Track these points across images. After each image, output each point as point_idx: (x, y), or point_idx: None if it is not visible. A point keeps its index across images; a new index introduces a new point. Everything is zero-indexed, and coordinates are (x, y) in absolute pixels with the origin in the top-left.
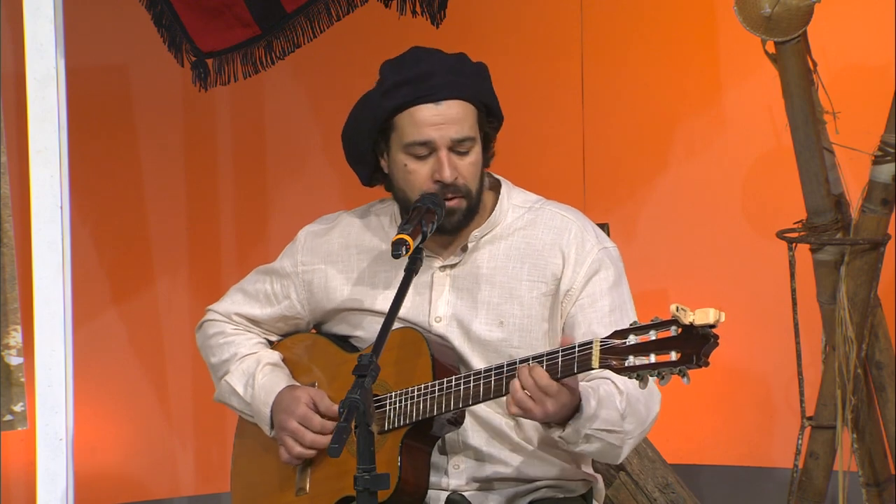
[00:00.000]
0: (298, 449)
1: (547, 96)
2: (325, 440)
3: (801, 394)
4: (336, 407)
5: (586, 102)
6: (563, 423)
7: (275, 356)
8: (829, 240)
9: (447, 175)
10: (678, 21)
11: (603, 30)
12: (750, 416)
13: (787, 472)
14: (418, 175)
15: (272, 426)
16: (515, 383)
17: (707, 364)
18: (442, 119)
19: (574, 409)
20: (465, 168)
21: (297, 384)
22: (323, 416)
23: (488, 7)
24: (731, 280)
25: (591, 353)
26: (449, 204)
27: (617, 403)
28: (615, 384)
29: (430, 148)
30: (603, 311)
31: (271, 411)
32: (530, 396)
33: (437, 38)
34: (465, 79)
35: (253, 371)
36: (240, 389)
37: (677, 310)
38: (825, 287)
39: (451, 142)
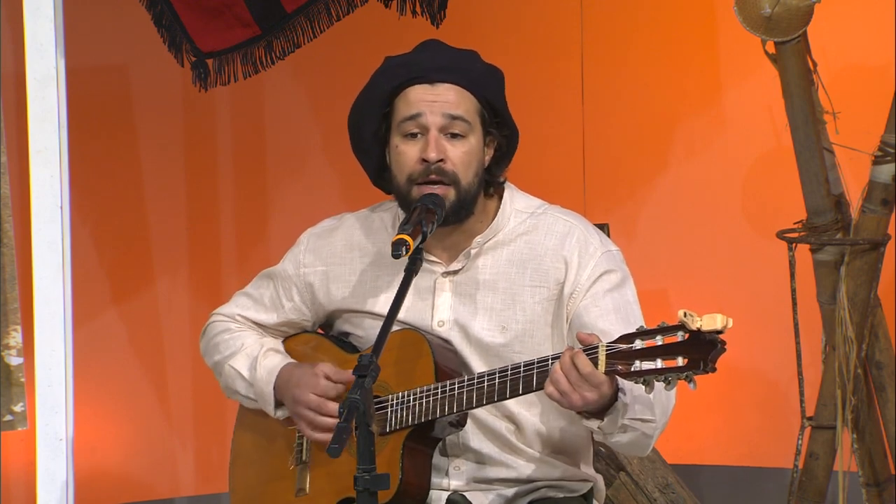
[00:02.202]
0: (321, 419)
1: (547, 96)
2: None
3: (801, 394)
4: (348, 373)
5: (586, 102)
6: (600, 413)
7: (278, 344)
8: (829, 240)
9: (432, 154)
10: (678, 21)
11: (603, 30)
12: (750, 416)
13: (787, 472)
14: (407, 156)
15: (276, 406)
16: (556, 366)
17: (714, 370)
18: (434, 98)
19: (612, 399)
20: (456, 154)
21: (300, 363)
22: (339, 383)
23: (488, 7)
24: (731, 280)
25: (597, 357)
26: (431, 188)
27: (644, 391)
28: None
29: (420, 126)
30: (607, 309)
31: (275, 389)
32: (570, 383)
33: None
34: (467, 70)
35: (256, 354)
36: (244, 372)
37: (685, 315)
38: (825, 287)
39: (442, 119)
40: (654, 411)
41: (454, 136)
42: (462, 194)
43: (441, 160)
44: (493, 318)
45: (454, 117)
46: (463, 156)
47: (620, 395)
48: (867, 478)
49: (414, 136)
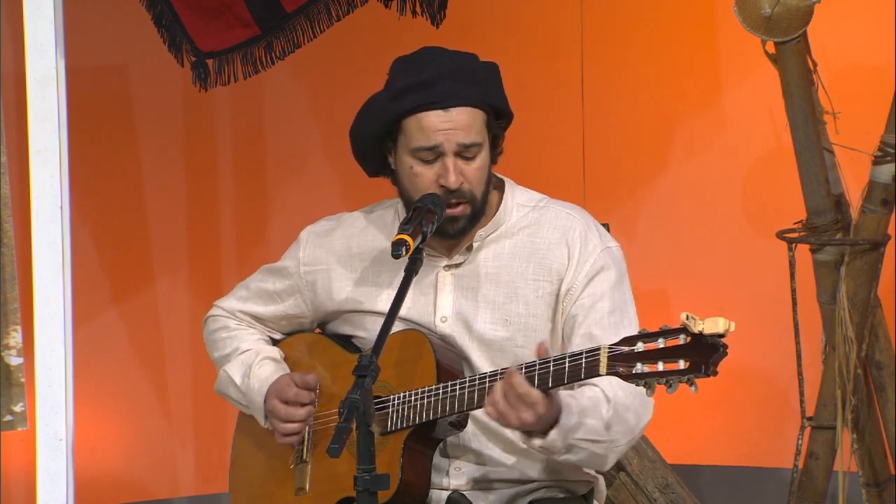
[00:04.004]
0: (280, 426)
1: (547, 96)
2: (300, 412)
3: (801, 394)
4: (310, 376)
5: (586, 102)
6: (544, 432)
7: (274, 351)
8: (829, 240)
9: (452, 181)
10: (678, 21)
11: (603, 30)
12: (750, 416)
13: (787, 472)
14: (424, 178)
15: (266, 416)
16: (496, 384)
17: (715, 373)
18: (450, 125)
19: (555, 420)
20: (472, 173)
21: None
22: (298, 385)
23: (488, 7)
24: (731, 280)
25: (598, 359)
26: (452, 211)
27: (603, 412)
28: (603, 391)
29: (436, 153)
30: (603, 311)
31: (265, 401)
32: (507, 402)
33: (437, 39)
34: (474, 84)
35: (251, 363)
36: (237, 380)
37: (687, 318)
38: (825, 287)
39: (458, 147)
40: (611, 431)
41: (467, 157)
42: (477, 207)
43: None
44: (496, 311)
45: (468, 146)
46: (477, 172)
47: (564, 416)
48: (867, 478)
49: (429, 160)
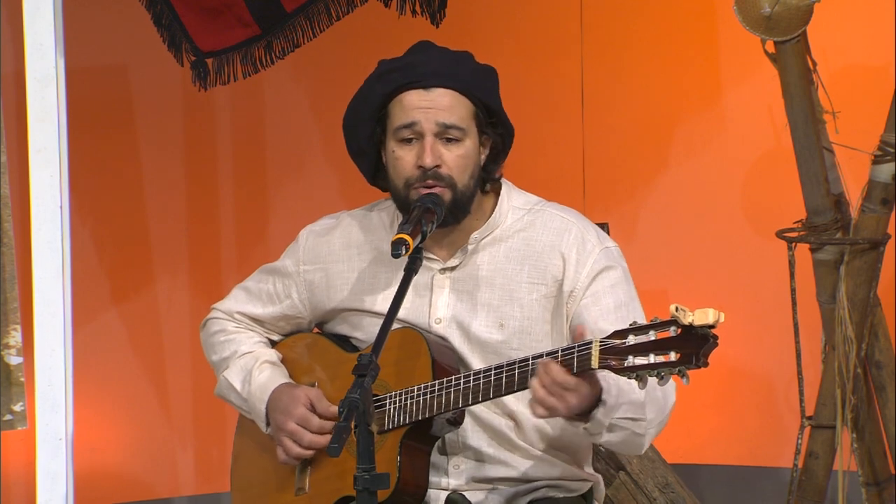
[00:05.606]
0: (297, 449)
1: (547, 96)
2: (323, 441)
3: (801, 394)
4: (334, 407)
5: (586, 102)
6: (585, 414)
7: (273, 355)
8: (828, 239)
9: (428, 160)
10: (678, 21)
11: (603, 30)
12: (750, 416)
13: (787, 472)
14: (404, 161)
15: (268, 423)
16: (535, 382)
17: (706, 364)
18: (429, 104)
19: (596, 400)
20: (452, 159)
21: (294, 383)
22: (321, 416)
23: (488, 7)
24: (731, 280)
25: (590, 352)
26: (429, 190)
27: (637, 391)
28: None
29: (416, 132)
30: (608, 308)
31: (267, 409)
32: (551, 394)
33: (437, 38)
34: (460, 71)
35: (250, 368)
36: (237, 385)
37: (676, 310)
38: (825, 287)
39: (437, 127)
40: (646, 410)
41: (449, 140)
42: (458, 196)
43: (437, 165)
44: (491, 314)
45: (448, 126)
46: (458, 159)
47: (605, 396)
48: (867, 477)
49: (409, 140)
